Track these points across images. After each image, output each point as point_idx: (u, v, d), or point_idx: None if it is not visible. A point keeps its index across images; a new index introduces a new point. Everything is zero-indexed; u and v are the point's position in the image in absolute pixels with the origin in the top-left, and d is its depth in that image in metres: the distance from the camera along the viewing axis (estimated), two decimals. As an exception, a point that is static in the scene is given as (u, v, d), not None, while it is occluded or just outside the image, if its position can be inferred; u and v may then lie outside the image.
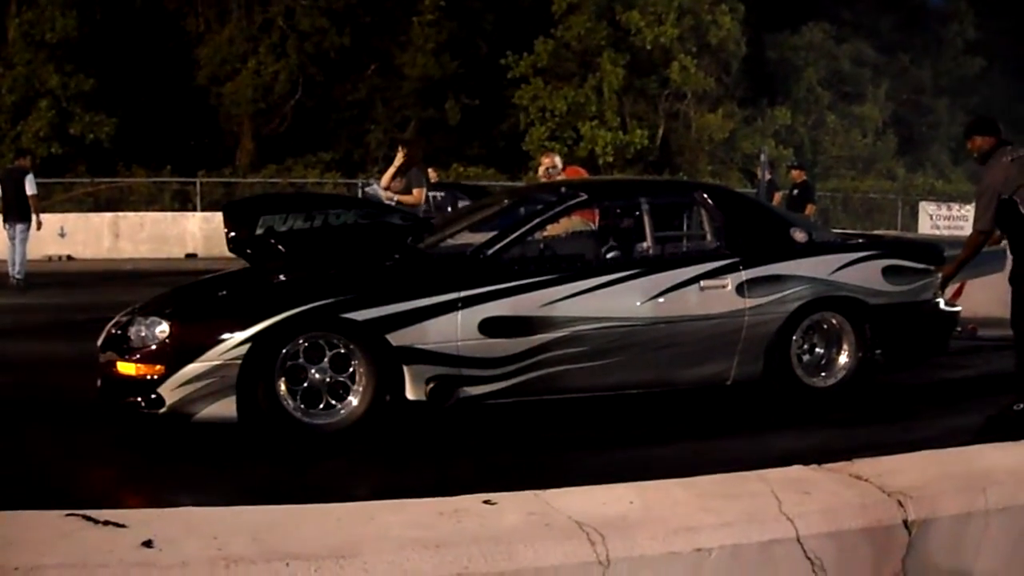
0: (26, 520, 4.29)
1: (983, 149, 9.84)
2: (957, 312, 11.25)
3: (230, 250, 11.23)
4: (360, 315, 8.67)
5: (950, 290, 11.54)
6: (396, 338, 8.73)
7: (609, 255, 10.45)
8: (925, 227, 43.01)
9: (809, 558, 4.48)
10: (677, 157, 47.42)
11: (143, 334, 8.56)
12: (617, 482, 5.00)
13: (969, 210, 40.35)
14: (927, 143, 56.00)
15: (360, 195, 32.40)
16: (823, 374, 10.44)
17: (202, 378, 8.30)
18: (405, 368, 8.83)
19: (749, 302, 9.86)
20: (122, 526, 4.08)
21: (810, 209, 25.41)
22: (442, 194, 23.52)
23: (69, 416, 9.35)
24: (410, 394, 8.86)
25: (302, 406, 8.68)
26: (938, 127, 56.61)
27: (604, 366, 9.45)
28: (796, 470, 5.27)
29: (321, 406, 8.74)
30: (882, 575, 4.68)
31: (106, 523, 4.12)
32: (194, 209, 36.04)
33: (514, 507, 4.47)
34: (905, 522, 4.70)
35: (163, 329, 8.51)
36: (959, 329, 11.96)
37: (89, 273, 25.57)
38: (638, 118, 46.00)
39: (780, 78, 52.55)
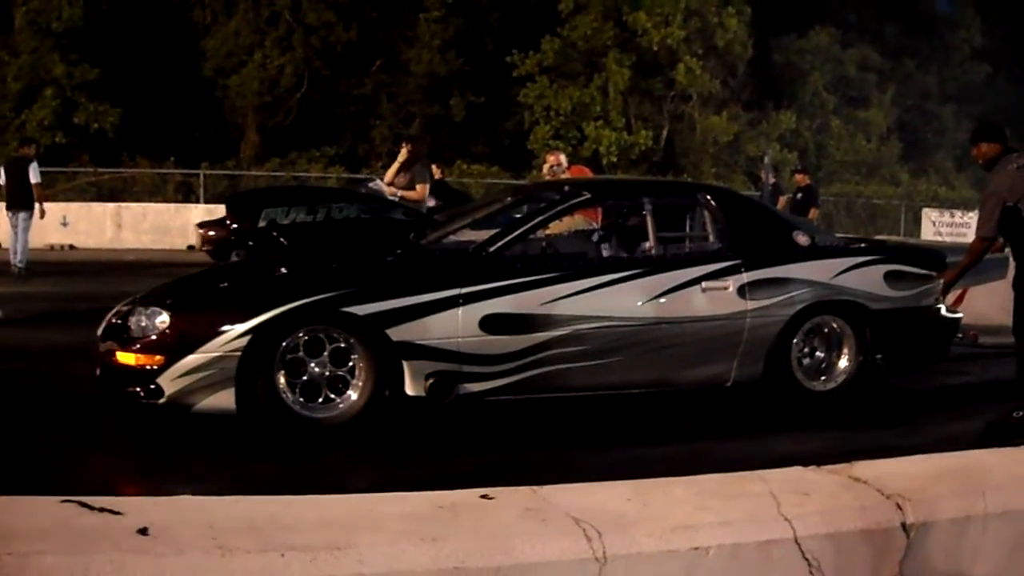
0: (22, 506, 4.28)
1: (989, 156, 9.80)
2: (959, 318, 11.18)
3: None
4: (361, 309, 8.64)
5: (952, 296, 11.52)
6: (396, 333, 8.69)
7: (611, 254, 10.45)
8: (928, 233, 43.08)
9: (807, 559, 4.47)
10: (681, 159, 47.46)
11: (143, 324, 8.54)
12: (616, 479, 5.00)
13: (972, 217, 40.42)
14: (932, 149, 56.05)
15: (363, 190, 32.46)
16: (823, 378, 10.38)
17: (201, 369, 8.27)
18: (405, 363, 8.79)
19: (751, 304, 9.81)
20: (118, 513, 4.07)
21: (813, 213, 25.45)
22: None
23: (68, 405, 9.34)
24: (409, 389, 8.82)
25: (301, 399, 8.63)
26: (943, 133, 56.67)
27: (604, 365, 9.41)
28: (795, 471, 5.26)
29: (320, 400, 8.70)
30: (878, 579, 4.68)
31: (102, 510, 4.11)
32: (197, 201, 35.98)
33: (512, 502, 4.46)
34: (903, 525, 4.69)
35: (163, 319, 8.49)
36: (960, 335, 11.93)
37: (91, 263, 25.56)
38: (643, 119, 46.12)
39: (786, 82, 52.61)
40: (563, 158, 17.02)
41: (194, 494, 4.95)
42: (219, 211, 25.28)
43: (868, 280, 10.35)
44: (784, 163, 41.11)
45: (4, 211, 23.11)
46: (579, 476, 5.25)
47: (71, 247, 30.91)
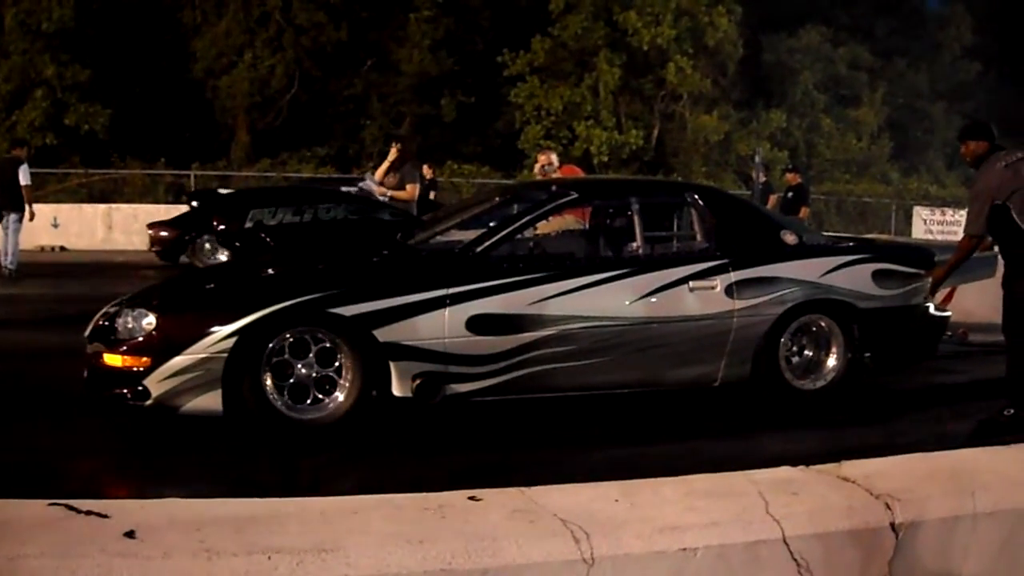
0: (8, 509, 4.27)
1: (976, 154, 9.81)
2: (947, 317, 11.20)
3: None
4: (347, 310, 8.61)
5: (941, 295, 11.51)
6: (383, 334, 8.67)
7: (599, 254, 10.48)
8: (919, 232, 43.06)
9: (795, 559, 4.48)
10: (672, 158, 47.47)
11: (130, 326, 8.51)
12: (604, 480, 5.00)
13: (963, 215, 40.43)
14: (922, 148, 56.07)
15: (355, 190, 32.45)
16: (811, 377, 10.37)
17: (188, 371, 8.25)
18: (391, 364, 8.77)
19: (738, 303, 9.80)
20: (105, 516, 4.07)
21: (804, 212, 25.46)
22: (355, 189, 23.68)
23: (56, 407, 9.31)
24: (396, 390, 8.80)
25: (288, 400, 8.61)
26: (933, 132, 56.72)
27: (592, 365, 9.39)
28: (784, 471, 5.26)
29: (307, 401, 8.68)
30: (867, 578, 4.68)
31: (89, 513, 4.11)
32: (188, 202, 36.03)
33: (499, 504, 4.46)
34: (892, 525, 4.70)
35: (150, 321, 8.46)
36: (950, 334, 11.94)
37: (82, 264, 25.52)
38: (634, 118, 46.11)
39: (776, 80, 52.68)
40: (554, 157, 17.01)
41: (181, 496, 4.93)
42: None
43: (856, 279, 10.34)
44: (775, 162, 41.10)
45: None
46: (567, 477, 5.24)
47: (62, 248, 30.87)
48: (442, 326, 8.85)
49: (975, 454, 5.99)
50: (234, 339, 8.29)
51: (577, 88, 44.62)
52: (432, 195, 26.46)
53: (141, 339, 8.43)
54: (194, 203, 25.22)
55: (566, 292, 9.25)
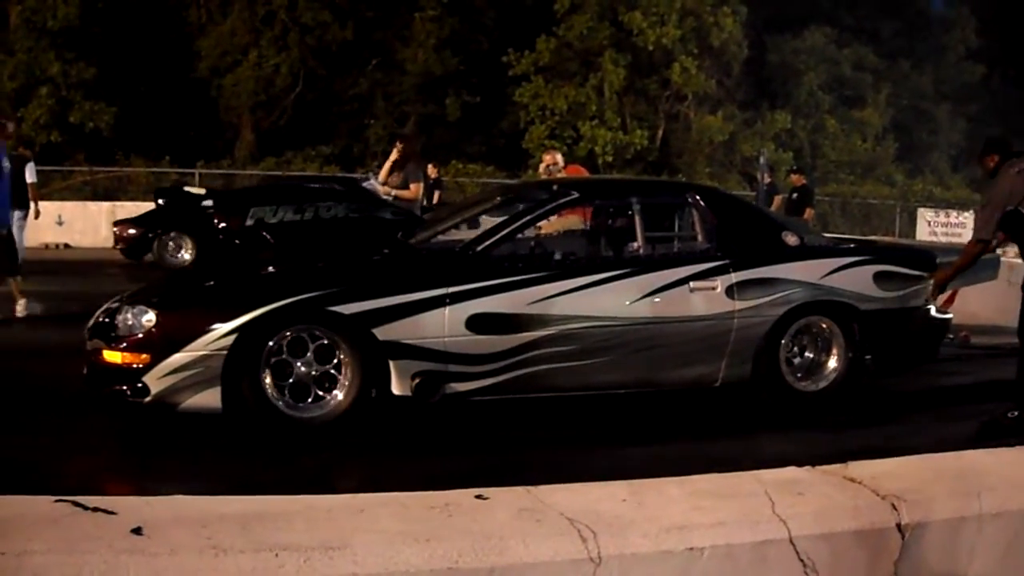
0: (15, 505, 4.27)
1: (991, 167, 9.87)
2: (948, 319, 11.20)
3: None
4: (347, 309, 8.64)
5: (942, 297, 11.49)
6: (383, 332, 8.69)
7: (599, 254, 10.48)
8: (923, 233, 42.97)
9: (802, 559, 4.47)
10: (676, 159, 47.49)
11: (130, 322, 8.52)
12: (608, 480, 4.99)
13: (967, 217, 40.47)
14: (927, 149, 56.08)
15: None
16: (812, 378, 10.38)
17: (187, 368, 8.27)
18: (391, 363, 8.78)
19: (739, 304, 9.80)
20: (112, 513, 4.07)
21: (809, 213, 25.45)
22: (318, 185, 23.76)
23: (60, 404, 9.30)
24: (396, 389, 8.81)
25: (287, 398, 8.63)
26: (938, 133, 56.73)
27: (591, 365, 9.41)
28: (790, 471, 5.25)
29: (307, 399, 8.71)
30: (874, 578, 4.67)
31: (95, 509, 4.10)
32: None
33: (506, 502, 4.45)
34: (899, 525, 4.69)
35: (149, 318, 8.47)
36: (951, 336, 11.92)
37: (86, 262, 25.51)
38: (638, 119, 46.11)
39: (781, 81, 52.66)
40: (559, 157, 17.04)
41: (183, 493, 4.92)
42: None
43: (857, 280, 10.34)
44: (779, 163, 41.09)
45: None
46: (570, 476, 5.22)
47: (66, 246, 30.88)
48: (442, 325, 8.87)
49: (981, 456, 5.97)
50: (234, 336, 8.32)
51: (582, 88, 44.63)
52: (437, 195, 26.48)
53: (141, 336, 8.45)
54: (160, 201, 25.21)
55: (566, 292, 9.28)
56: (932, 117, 56.76)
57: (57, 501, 4.22)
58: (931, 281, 10.65)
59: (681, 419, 9.99)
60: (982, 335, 13.60)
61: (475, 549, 3.98)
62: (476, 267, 9.21)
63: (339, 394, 8.74)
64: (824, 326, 10.33)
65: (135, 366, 8.37)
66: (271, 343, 8.54)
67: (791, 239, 10.44)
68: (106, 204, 33.88)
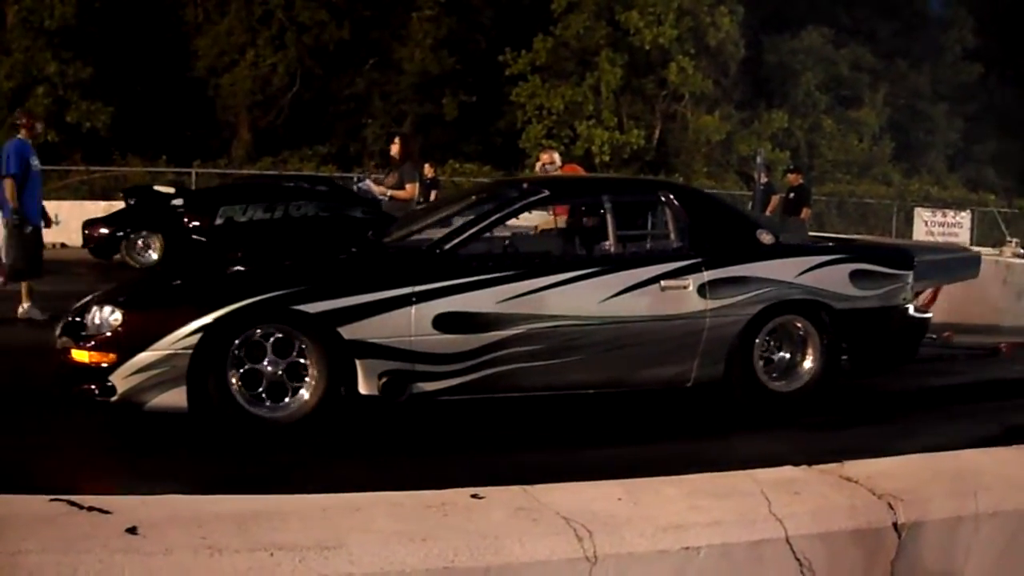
0: (9, 504, 4.26)
1: None
2: (927, 318, 11.11)
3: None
4: (312, 307, 8.61)
5: (925, 296, 11.43)
6: (348, 331, 8.66)
7: (569, 253, 10.49)
8: (920, 233, 43.04)
9: (798, 559, 4.47)
10: (673, 158, 47.51)
11: (97, 322, 8.52)
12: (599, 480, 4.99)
13: (964, 217, 40.55)
14: (924, 149, 56.08)
15: (354, 189, 32.45)
16: (787, 378, 10.30)
17: (153, 367, 8.26)
18: (357, 362, 8.75)
19: (711, 303, 9.73)
20: (107, 512, 4.06)
21: (806, 213, 25.48)
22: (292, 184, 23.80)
23: (49, 403, 9.27)
24: (362, 388, 8.78)
25: (253, 398, 8.63)
26: (935, 133, 56.72)
27: (561, 365, 9.35)
28: (786, 470, 5.26)
29: (273, 398, 8.69)
30: (871, 578, 4.67)
31: (90, 509, 4.10)
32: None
33: (502, 502, 4.45)
34: (895, 525, 4.69)
35: (116, 317, 8.47)
36: (934, 336, 11.85)
37: (83, 261, 25.44)
38: (635, 118, 46.15)
39: (778, 81, 52.68)
40: (556, 156, 17.07)
41: (167, 493, 4.92)
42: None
43: (832, 279, 10.26)
44: (776, 163, 41.09)
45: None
46: (562, 475, 5.21)
47: (63, 245, 30.82)
48: (408, 324, 8.84)
49: (977, 455, 5.97)
50: (199, 335, 8.30)
51: (579, 88, 44.66)
52: (434, 194, 26.47)
53: (108, 335, 8.45)
54: (130, 200, 25.18)
55: (534, 291, 9.24)
56: (929, 117, 56.75)
57: (52, 500, 4.22)
58: (910, 279, 10.64)
59: (665, 419, 10.01)
60: (967, 335, 13.54)
61: (471, 548, 3.97)
62: (443, 266, 9.17)
63: (305, 393, 8.72)
64: (799, 325, 10.26)
65: (102, 365, 8.36)
66: (237, 342, 8.53)
67: (765, 237, 10.36)
68: (103, 203, 33.82)
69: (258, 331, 8.63)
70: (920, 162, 54.83)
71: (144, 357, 8.27)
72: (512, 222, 10.06)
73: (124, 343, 8.38)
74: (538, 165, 17.54)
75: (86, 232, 24.56)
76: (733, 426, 9.73)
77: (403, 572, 3.86)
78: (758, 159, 29.99)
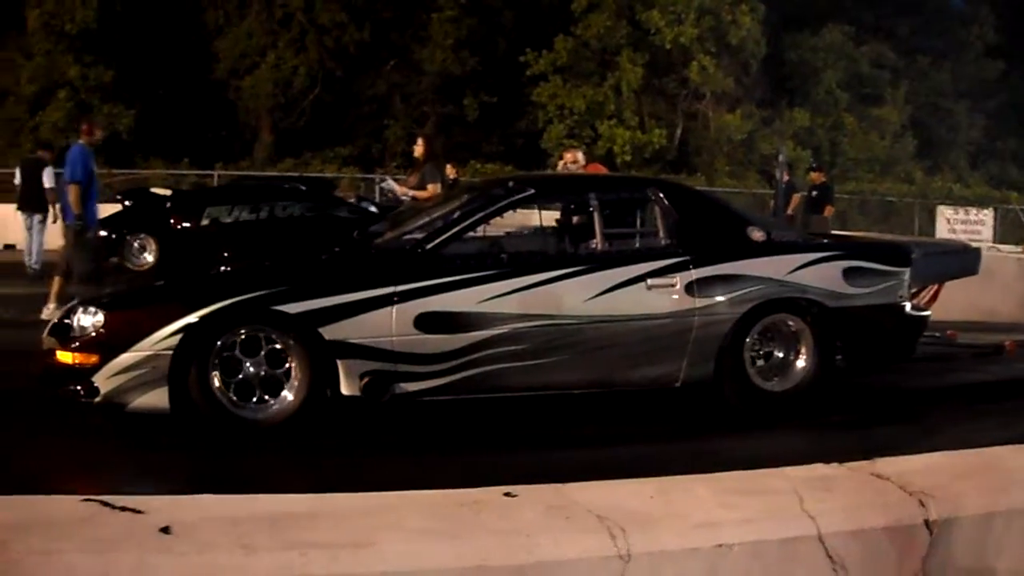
0: (42, 505, 4.28)
1: None
2: (925, 316, 10.83)
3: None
4: (292, 308, 8.58)
5: (926, 293, 11.30)
6: (329, 332, 8.61)
7: (553, 251, 10.40)
8: (942, 231, 42.83)
9: (830, 556, 4.46)
10: (695, 157, 47.49)
11: (81, 323, 8.55)
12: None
13: (986, 215, 40.44)
14: (946, 146, 55.91)
15: (377, 190, 32.52)
16: (779, 378, 10.11)
17: (135, 368, 8.27)
18: (339, 362, 8.70)
19: (699, 302, 9.57)
20: (139, 512, 4.07)
21: (829, 211, 25.45)
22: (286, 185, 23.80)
23: (60, 406, 9.27)
24: (344, 389, 8.74)
25: (235, 398, 8.62)
26: (957, 130, 56.53)
27: (546, 365, 9.26)
28: (817, 468, 5.24)
29: (255, 399, 8.68)
30: (903, 574, 4.65)
31: (123, 509, 4.11)
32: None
33: (534, 500, 4.45)
34: (926, 522, 4.67)
35: (98, 319, 8.49)
36: (938, 334, 11.72)
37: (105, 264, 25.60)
38: (657, 117, 46.16)
39: (799, 79, 52.55)
40: (580, 155, 17.02)
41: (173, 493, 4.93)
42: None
43: (825, 277, 10.07)
44: (798, 161, 40.92)
45: (17, 212, 23.33)
46: (582, 475, 5.19)
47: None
48: (389, 324, 8.78)
49: (1007, 452, 5.95)
50: (179, 336, 8.30)
51: (600, 87, 44.63)
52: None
53: (91, 336, 8.46)
54: (127, 202, 25.19)
55: (518, 290, 9.16)
56: (951, 114, 56.57)
57: (84, 500, 4.23)
58: (906, 276, 10.46)
59: (684, 417, 9.94)
60: (971, 333, 13.36)
61: (504, 547, 3.98)
62: (425, 265, 9.12)
63: (288, 394, 8.69)
64: (791, 324, 10.08)
65: (85, 366, 8.39)
66: (219, 343, 8.53)
67: (757, 234, 10.18)
68: (127, 206, 33.95)
69: (239, 332, 8.63)
70: (942, 159, 54.65)
71: (126, 358, 8.29)
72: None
73: (106, 344, 8.40)
74: (560, 164, 17.51)
75: None
76: (753, 425, 9.65)
77: (436, 571, 3.87)
78: (780, 157, 29.92)
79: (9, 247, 28.98)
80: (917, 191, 48.42)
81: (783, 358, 10.14)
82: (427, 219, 10.32)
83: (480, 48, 45.19)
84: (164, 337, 8.28)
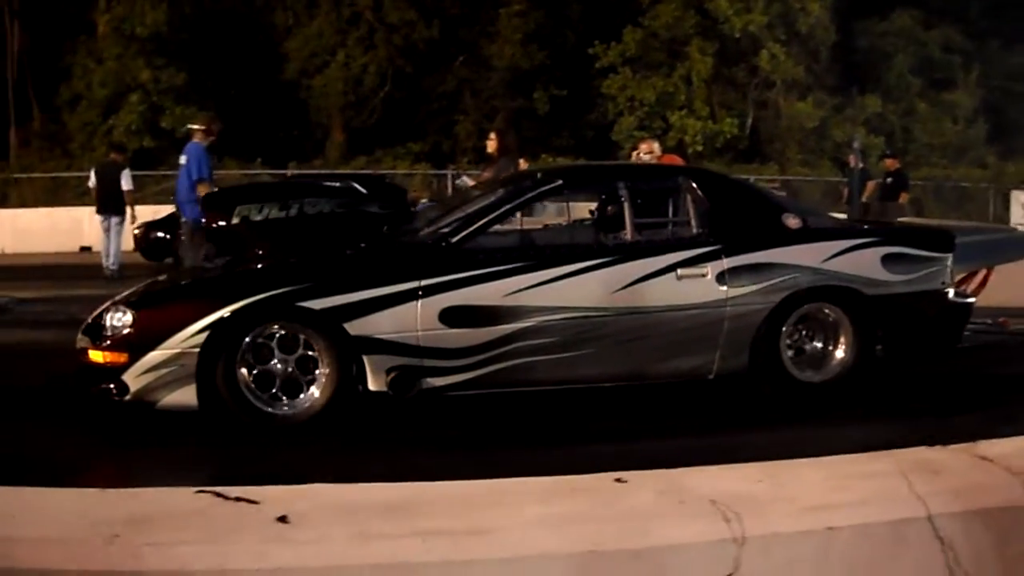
0: (156, 497, 4.33)
1: None
2: (969, 303, 10.60)
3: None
4: (317, 304, 8.65)
5: (975, 280, 11.12)
6: (354, 327, 8.67)
7: (581, 243, 10.34)
8: (1018, 216, 42.30)
9: (939, 537, 4.44)
10: (767, 146, 47.25)
11: (112, 322, 8.68)
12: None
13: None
14: (1019, 130, 55.31)
15: (452, 186, 32.64)
16: (818, 369, 9.99)
17: (163, 366, 8.41)
18: (365, 358, 8.75)
19: (731, 292, 9.48)
20: (254, 502, 4.11)
21: (904, 197, 25.28)
22: (338, 184, 23.75)
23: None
24: (371, 384, 8.78)
25: (263, 395, 8.70)
26: (1030, 114, 56.02)
27: (574, 358, 9.22)
28: (922, 451, 5.23)
29: (283, 396, 8.76)
30: (1006, 556, 4.63)
31: (238, 499, 4.15)
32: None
33: (645, 485, 4.47)
34: (1032, 503, 4.66)
35: (127, 318, 8.63)
36: (989, 321, 11.50)
37: (136, 264, 25.79)
38: (727, 107, 45.95)
39: (869, 65, 52.16)
40: (656, 146, 16.97)
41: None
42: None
43: (863, 264, 9.93)
44: (870, 148, 40.65)
45: (96, 215, 23.58)
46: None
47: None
48: (415, 319, 8.81)
49: (1111, 432, 5.93)
50: (206, 334, 8.41)
51: (669, 78, 44.46)
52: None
53: (120, 335, 8.60)
54: None
55: (545, 282, 9.14)
56: (1023, 98, 56.06)
57: (197, 492, 4.28)
58: (948, 263, 10.27)
59: (759, 406, 9.86)
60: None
61: (618, 532, 3.99)
62: (450, 259, 9.13)
63: (315, 391, 8.77)
64: (828, 313, 9.94)
65: (115, 365, 8.52)
66: (247, 340, 8.62)
67: (792, 222, 10.07)
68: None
69: (265, 328, 8.70)
70: (1015, 144, 54.07)
71: (154, 356, 8.43)
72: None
73: (135, 343, 8.53)
74: (634, 155, 17.47)
75: (136, 234, 24.76)
76: (835, 411, 9.58)
77: (552, 556, 3.89)
78: (854, 144, 29.78)
79: (85, 249, 29.32)
80: (991, 176, 47.95)
81: (821, 348, 10.03)
82: (455, 213, 10.27)
83: (548, 42, 45.14)
84: (191, 335, 8.42)
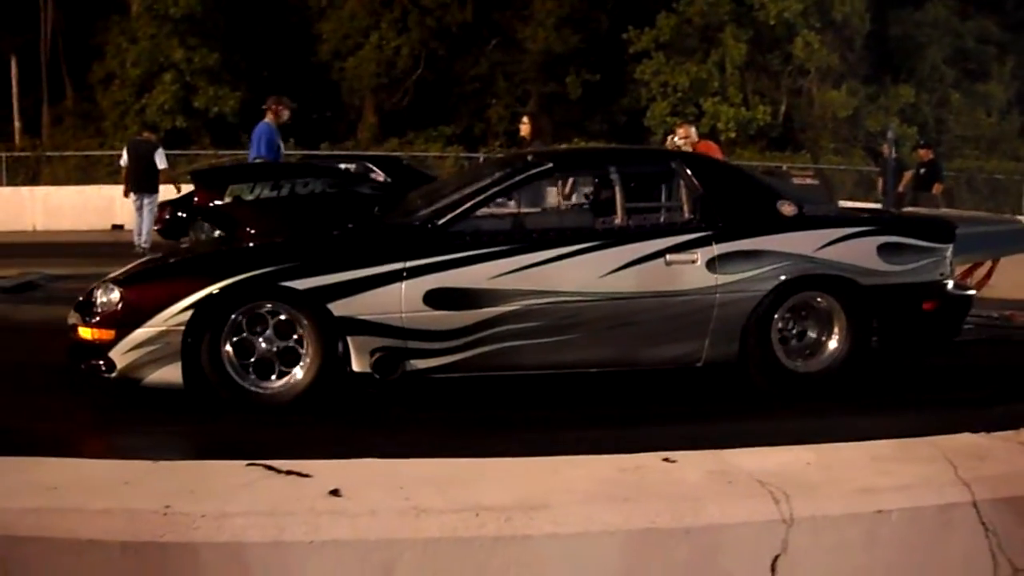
0: (207, 470, 4.37)
1: None
2: (970, 296, 10.34)
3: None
4: (301, 284, 8.58)
5: (979, 273, 11.02)
6: (338, 308, 8.60)
7: (569, 227, 9.89)
8: (1051, 210, 42.26)
9: (984, 523, 4.46)
10: (800, 134, 47.12)
11: (101, 299, 8.66)
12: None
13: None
14: (1052, 123, 55.16)
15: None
16: (810, 359, 9.75)
17: (148, 343, 8.39)
18: (348, 339, 8.69)
19: (721, 279, 9.26)
20: (306, 476, 4.15)
21: (938, 188, 25.15)
22: (353, 166, 23.70)
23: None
24: (355, 366, 8.72)
25: (248, 374, 8.67)
26: (1064, 107, 55.77)
27: (560, 343, 9.08)
28: (966, 437, 5.24)
29: (267, 375, 8.72)
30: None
31: (289, 472, 4.19)
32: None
33: (694, 465, 4.49)
34: (1076, 489, 4.66)
35: (115, 295, 8.60)
36: (996, 315, 11.35)
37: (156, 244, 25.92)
38: (761, 94, 45.78)
39: (904, 55, 51.96)
40: (693, 131, 16.96)
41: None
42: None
43: (858, 253, 9.67)
44: (904, 138, 40.49)
45: (125, 193, 23.66)
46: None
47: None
48: (399, 300, 8.71)
49: None
50: (190, 312, 8.37)
51: (703, 64, 44.33)
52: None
53: (108, 313, 8.58)
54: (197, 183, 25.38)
55: (530, 266, 9.01)
56: (1058, 90, 55.85)
57: (248, 465, 4.32)
58: (948, 253, 10.00)
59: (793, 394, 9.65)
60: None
61: (671, 510, 4.01)
62: (436, 241, 9.02)
63: (299, 371, 8.72)
64: (822, 302, 9.72)
65: (103, 341, 8.53)
66: (233, 317, 8.59)
67: (787, 209, 9.81)
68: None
69: (251, 308, 8.68)
70: (1048, 137, 53.91)
71: (140, 334, 8.40)
72: None
73: (121, 320, 8.50)
74: (669, 139, 17.46)
75: (156, 214, 24.86)
76: (872, 399, 9.46)
77: (606, 532, 3.91)
78: (888, 134, 29.65)
79: (117, 227, 29.41)
80: (1024, 168, 47.78)
81: (815, 338, 9.81)
82: (444, 195, 10.14)
83: (582, 26, 45.02)
84: (175, 313, 8.38)
